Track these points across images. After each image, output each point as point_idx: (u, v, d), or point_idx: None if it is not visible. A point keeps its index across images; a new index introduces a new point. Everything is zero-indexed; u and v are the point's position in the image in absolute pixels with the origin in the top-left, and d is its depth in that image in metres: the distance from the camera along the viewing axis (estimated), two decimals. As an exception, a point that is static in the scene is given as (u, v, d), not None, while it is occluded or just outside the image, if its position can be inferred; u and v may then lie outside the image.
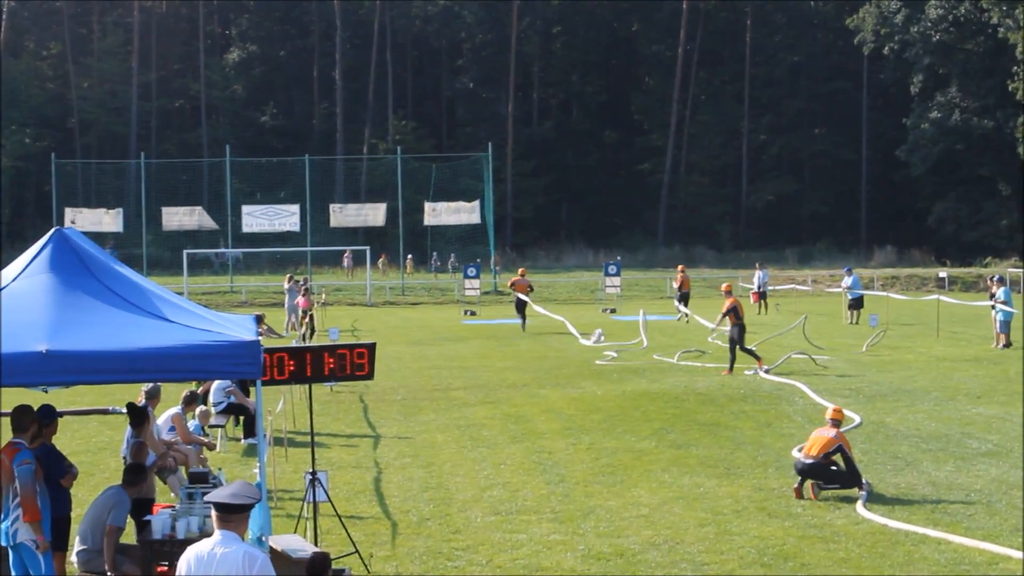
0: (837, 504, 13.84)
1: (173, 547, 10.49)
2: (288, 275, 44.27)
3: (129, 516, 11.87)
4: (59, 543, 10.64)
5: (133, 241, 64.57)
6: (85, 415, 19.18)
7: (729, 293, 27.23)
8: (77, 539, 11.01)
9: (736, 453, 17.02)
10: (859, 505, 13.68)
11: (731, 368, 26.11)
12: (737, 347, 26.30)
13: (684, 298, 42.31)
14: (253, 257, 68.36)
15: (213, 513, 6.93)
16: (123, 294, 9.43)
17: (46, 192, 72.33)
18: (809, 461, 14.26)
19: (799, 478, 14.36)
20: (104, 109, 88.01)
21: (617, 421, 20.05)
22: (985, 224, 75.72)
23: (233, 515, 6.86)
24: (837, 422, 14.81)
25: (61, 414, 12.18)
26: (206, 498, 8.99)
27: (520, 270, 43.50)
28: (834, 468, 14.29)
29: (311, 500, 11.96)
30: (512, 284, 42.38)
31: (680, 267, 45.77)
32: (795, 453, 15.07)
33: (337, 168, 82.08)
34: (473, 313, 47.77)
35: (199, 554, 6.88)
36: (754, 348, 27.34)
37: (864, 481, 14.40)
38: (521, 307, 39.62)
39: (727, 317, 26.64)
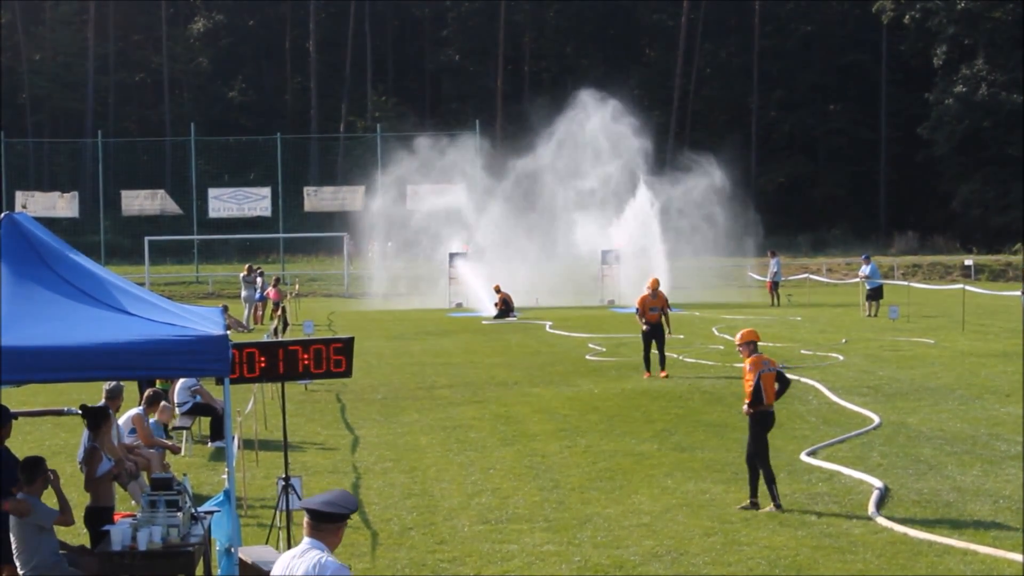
0: (854, 511, 13.86)
1: (134, 559, 10.43)
2: (247, 265, 44.22)
3: (86, 526, 11.83)
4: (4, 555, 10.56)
5: (90, 227, 64.43)
6: (38, 416, 19.14)
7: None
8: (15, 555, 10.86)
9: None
10: (871, 509, 13.70)
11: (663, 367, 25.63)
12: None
13: None
14: (221, 244, 68.29)
15: (305, 519, 7.04)
16: (80, 285, 9.41)
17: (-6, 174, 72.17)
18: (772, 409, 14.54)
19: (767, 487, 14.30)
20: (57, 84, 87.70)
21: (616, 422, 20.07)
22: (1014, 208, 75.63)
23: (325, 524, 6.96)
24: (754, 344, 14.55)
25: (15, 415, 12.14)
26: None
27: (495, 285, 43.31)
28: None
29: (284, 508, 11.96)
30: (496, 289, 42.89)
31: None
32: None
33: (311, 148, 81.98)
34: (459, 305, 47.75)
35: (281, 560, 7.11)
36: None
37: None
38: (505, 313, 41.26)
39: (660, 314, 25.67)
